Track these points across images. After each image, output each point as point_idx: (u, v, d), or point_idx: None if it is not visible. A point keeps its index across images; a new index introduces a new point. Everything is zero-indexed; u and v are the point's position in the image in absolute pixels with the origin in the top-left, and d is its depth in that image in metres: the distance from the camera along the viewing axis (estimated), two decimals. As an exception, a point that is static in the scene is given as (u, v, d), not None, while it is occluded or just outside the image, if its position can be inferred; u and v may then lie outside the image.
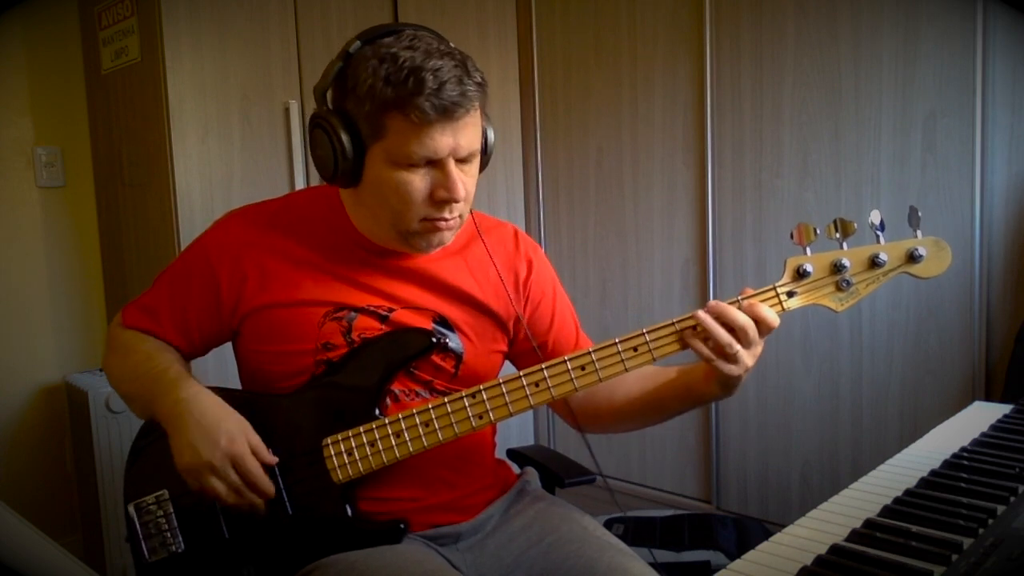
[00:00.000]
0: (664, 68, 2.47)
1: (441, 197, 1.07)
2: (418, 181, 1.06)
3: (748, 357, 1.02)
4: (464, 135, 1.05)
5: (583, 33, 2.67)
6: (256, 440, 1.09)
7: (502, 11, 2.75)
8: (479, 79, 1.05)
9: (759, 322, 1.02)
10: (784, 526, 0.91)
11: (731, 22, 2.32)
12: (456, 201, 1.07)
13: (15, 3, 2.32)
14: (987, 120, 1.94)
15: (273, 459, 1.10)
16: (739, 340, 1.02)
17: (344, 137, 1.06)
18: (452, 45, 1.08)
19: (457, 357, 1.19)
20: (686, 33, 2.42)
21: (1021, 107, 1.91)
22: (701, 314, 1.02)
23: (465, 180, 1.08)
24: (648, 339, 1.05)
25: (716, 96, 2.37)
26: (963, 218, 1.98)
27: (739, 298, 1.04)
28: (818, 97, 2.18)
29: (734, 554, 1.99)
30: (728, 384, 1.06)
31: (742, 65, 2.30)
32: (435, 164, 1.05)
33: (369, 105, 1.03)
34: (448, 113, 1.02)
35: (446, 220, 1.10)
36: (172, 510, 1.14)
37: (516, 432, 2.72)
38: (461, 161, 1.07)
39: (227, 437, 1.06)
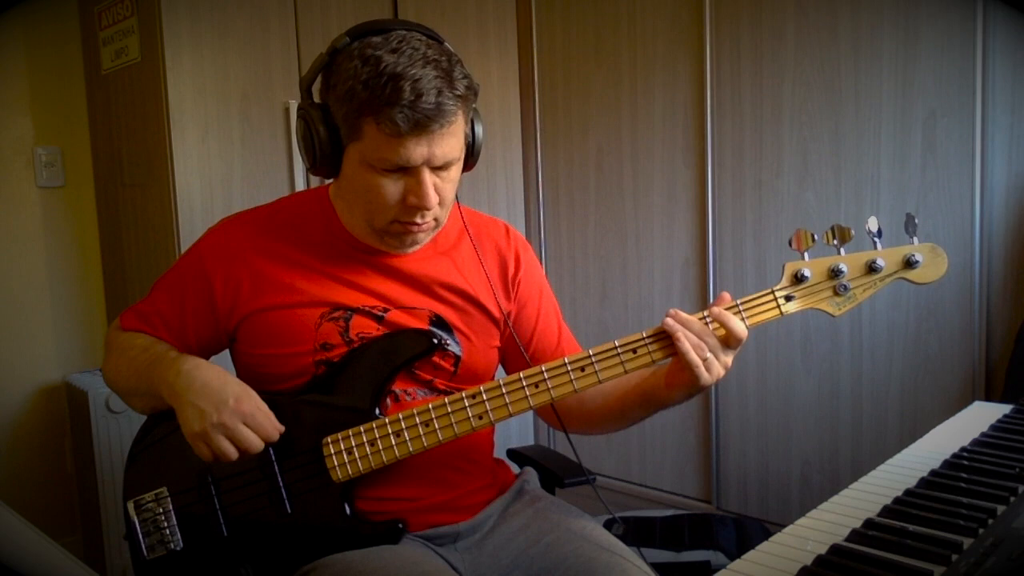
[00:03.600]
0: (664, 68, 2.47)
1: (412, 203, 1.07)
2: (390, 186, 1.06)
3: (720, 367, 1.04)
4: (440, 145, 1.04)
5: (583, 33, 2.67)
6: (263, 406, 1.08)
7: (502, 11, 2.75)
8: (462, 89, 1.03)
9: (729, 332, 1.04)
10: (784, 526, 0.91)
11: (731, 22, 2.31)
12: (427, 209, 1.08)
13: (15, 3, 2.32)
14: (987, 120, 1.94)
15: (280, 427, 1.09)
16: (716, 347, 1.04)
17: (323, 132, 1.07)
18: (444, 46, 1.07)
19: (456, 357, 1.19)
20: (686, 33, 2.42)
21: (1021, 107, 1.90)
22: (693, 319, 1.03)
23: (441, 186, 1.08)
24: (646, 342, 1.06)
25: (716, 96, 2.37)
26: (963, 218, 1.98)
27: (705, 314, 1.05)
28: (818, 97, 2.18)
29: (734, 554, 1.99)
30: (692, 391, 1.07)
31: (742, 65, 2.30)
32: (408, 171, 1.05)
33: (346, 107, 1.03)
34: (421, 126, 1.01)
35: (417, 224, 1.11)
36: (171, 508, 1.14)
37: (516, 432, 2.72)
38: (437, 168, 1.07)
39: (234, 398, 1.06)
